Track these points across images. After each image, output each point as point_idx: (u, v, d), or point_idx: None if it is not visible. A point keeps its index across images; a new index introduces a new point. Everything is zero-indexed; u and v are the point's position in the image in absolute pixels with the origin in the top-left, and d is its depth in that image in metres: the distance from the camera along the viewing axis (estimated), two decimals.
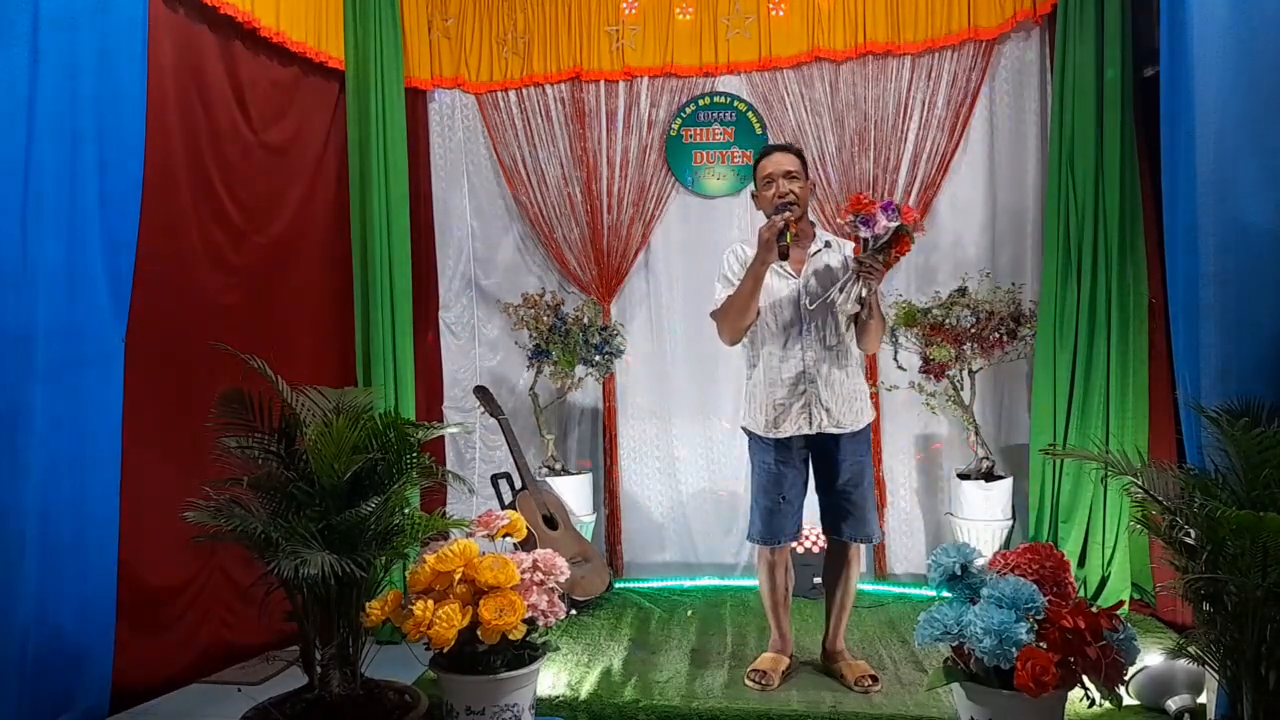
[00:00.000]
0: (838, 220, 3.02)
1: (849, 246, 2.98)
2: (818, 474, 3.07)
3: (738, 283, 2.91)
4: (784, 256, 2.78)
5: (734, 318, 2.93)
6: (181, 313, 3.31)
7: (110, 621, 2.92)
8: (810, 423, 2.95)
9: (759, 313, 2.95)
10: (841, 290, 2.93)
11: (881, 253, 2.76)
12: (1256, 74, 2.28)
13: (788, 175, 2.93)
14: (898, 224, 2.71)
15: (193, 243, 3.40)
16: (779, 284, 2.97)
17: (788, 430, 2.97)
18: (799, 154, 3.02)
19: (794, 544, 3.22)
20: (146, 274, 3.10)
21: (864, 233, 2.77)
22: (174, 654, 3.23)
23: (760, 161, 3.03)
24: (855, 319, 2.97)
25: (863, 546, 3.12)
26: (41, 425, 2.67)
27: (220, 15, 3.40)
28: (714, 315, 3.02)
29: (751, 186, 3.10)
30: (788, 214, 2.80)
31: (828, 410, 2.94)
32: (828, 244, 3.03)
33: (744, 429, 3.12)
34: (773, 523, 3.01)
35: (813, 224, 3.08)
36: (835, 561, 3.10)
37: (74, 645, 2.78)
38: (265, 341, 3.55)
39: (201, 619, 3.37)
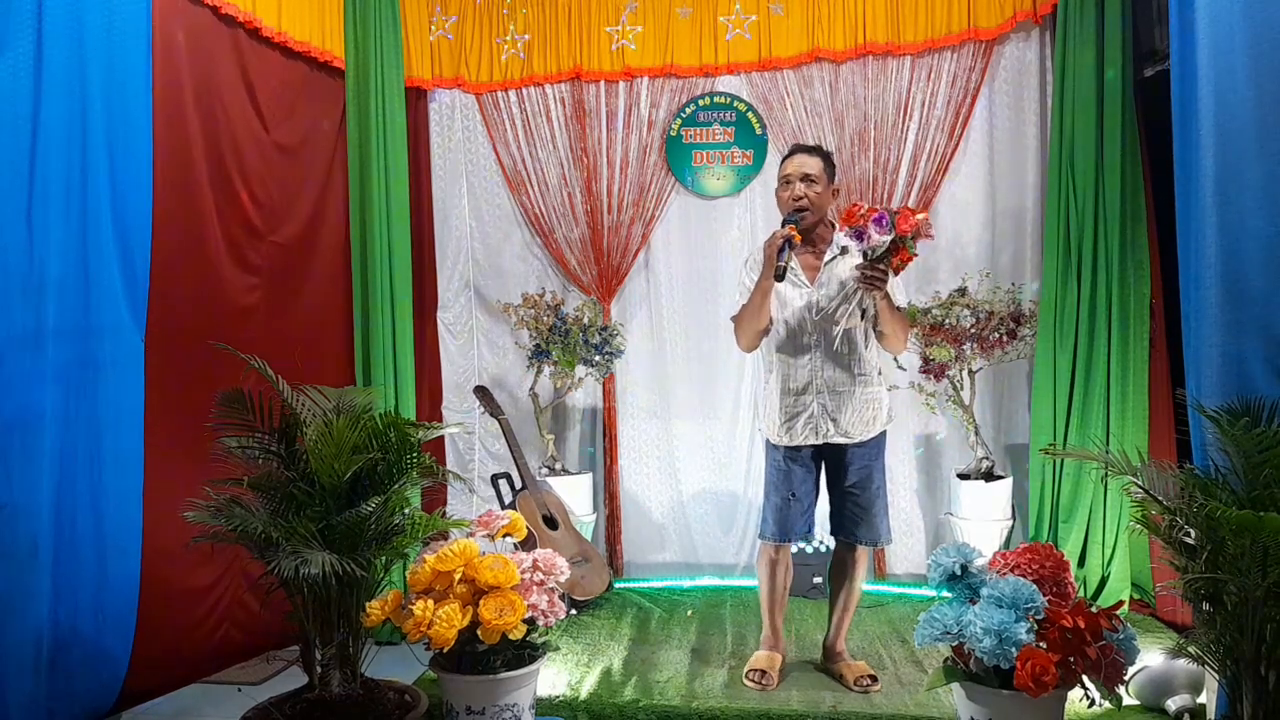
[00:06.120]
0: (838, 230, 2.95)
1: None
2: (827, 476, 3.07)
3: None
4: (779, 278, 2.75)
5: (745, 329, 2.94)
6: (205, 313, 3.31)
7: (130, 624, 2.92)
8: (816, 433, 2.95)
9: (772, 320, 2.95)
10: (844, 300, 2.90)
11: (881, 262, 2.71)
12: (1262, 77, 2.28)
13: (806, 179, 2.90)
14: (892, 236, 2.66)
15: (215, 243, 3.41)
16: (792, 292, 2.95)
17: (795, 439, 2.97)
18: (825, 157, 2.97)
19: (802, 543, 3.20)
20: (170, 274, 3.11)
21: (859, 245, 2.73)
22: (188, 654, 3.23)
23: (784, 160, 3.00)
24: (875, 325, 2.95)
25: (870, 550, 3.11)
26: (54, 427, 2.67)
27: (221, 15, 3.40)
28: (733, 321, 3.02)
29: (775, 185, 3.06)
30: (790, 227, 2.77)
31: (835, 420, 2.93)
32: (845, 250, 2.96)
33: (760, 430, 3.13)
34: (782, 519, 3.01)
35: (831, 227, 3.02)
36: (841, 563, 3.10)
37: (92, 646, 2.79)
38: (288, 342, 3.58)
39: (221, 620, 3.37)
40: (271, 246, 3.69)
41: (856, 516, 3.00)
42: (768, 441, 3.09)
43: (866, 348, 2.97)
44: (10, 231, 2.58)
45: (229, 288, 3.47)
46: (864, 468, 2.98)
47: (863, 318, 2.93)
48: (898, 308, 2.88)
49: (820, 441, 2.96)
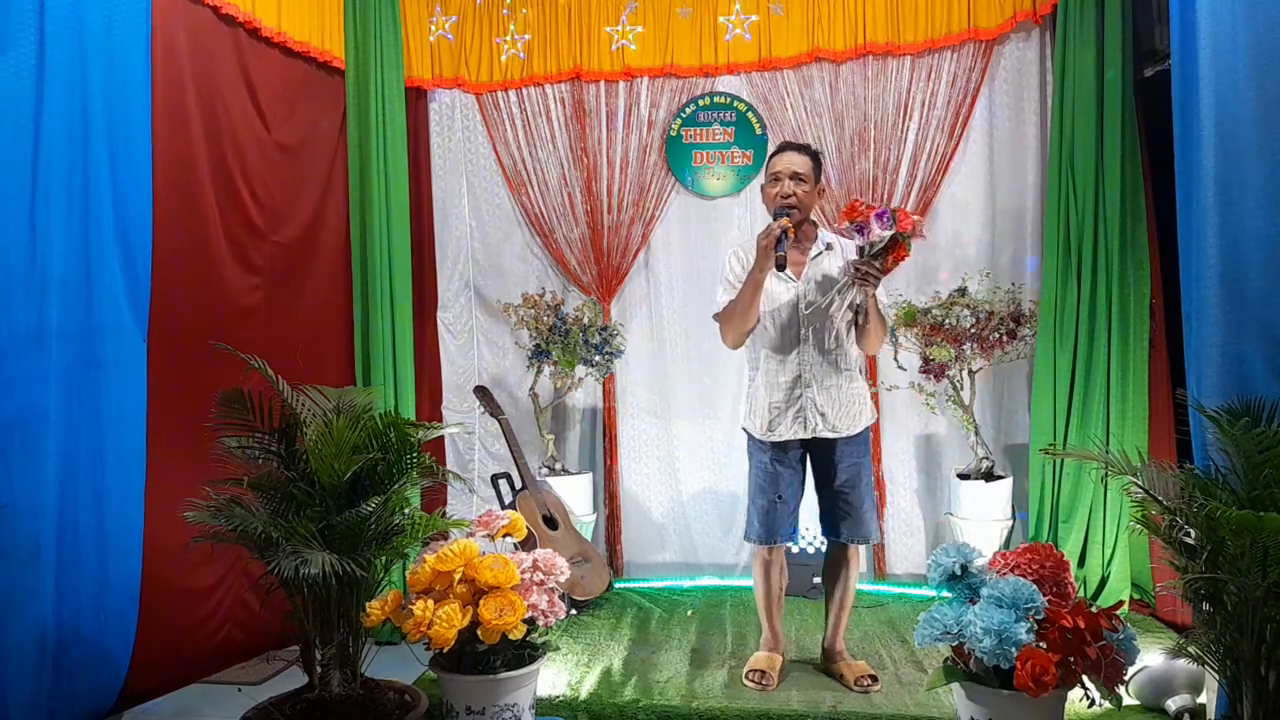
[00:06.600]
0: (839, 224, 2.98)
1: (851, 248, 2.92)
2: (815, 475, 3.07)
3: (739, 286, 2.91)
4: (780, 267, 2.75)
5: (735, 324, 2.93)
6: (207, 313, 3.32)
7: (131, 624, 2.92)
8: (805, 427, 2.95)
9: (759, 317, 2.95)
10: (839, 294, 2.93)
11: (878, 259, 2.74)
12: (1264, 77, 2.28)
13: (795, 177, 2.90)
14: (892, 232, 2.69)
15: (217, 243, 3.41)
16: (779, 288, 2.96)
17: (783, 434, 2.97)
18: (814, 156, 2.98)
19: (790, 544, 3.21)
20: (172, 274, 3.11)
21: (858, 240, 2.76)
22: (189, 654, 3.23)
23: (773, 157, 3.01)
24: (855, 321, 2.97)
25: (862, 547, 3.12)
26: (57, 427, 2.67)
27: (221, 15, 3.40)
28: (717, 319, 3.02)
29: (762, 180, 3.08)
30: (785, 219, 2.78)
31: (823, 415, 2.94)
32: (829, 246, 3.00)
33: (744, 429, 3.13)
34: (769, 522, 3.02)
35: (815, 225, 3.06)
36: (834, 562, 3.10)
37: (94, 646, 2.78)
38: (289, 342, 3.58)
39: (224, 621, 3.37)
40: (273, 246, 3.70)
41: (846, 515, 3.01)
42: (752, 442, 3.09)
43: (850, 344, 2.99)
44: (13, 232, 2.58)
45: (231, 288, 3.47)
46: (854, 464, 2.99)
47: (855, 314, 2.94)
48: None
49: (809, 435, 2.96)
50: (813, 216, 3.07)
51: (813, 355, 2.95)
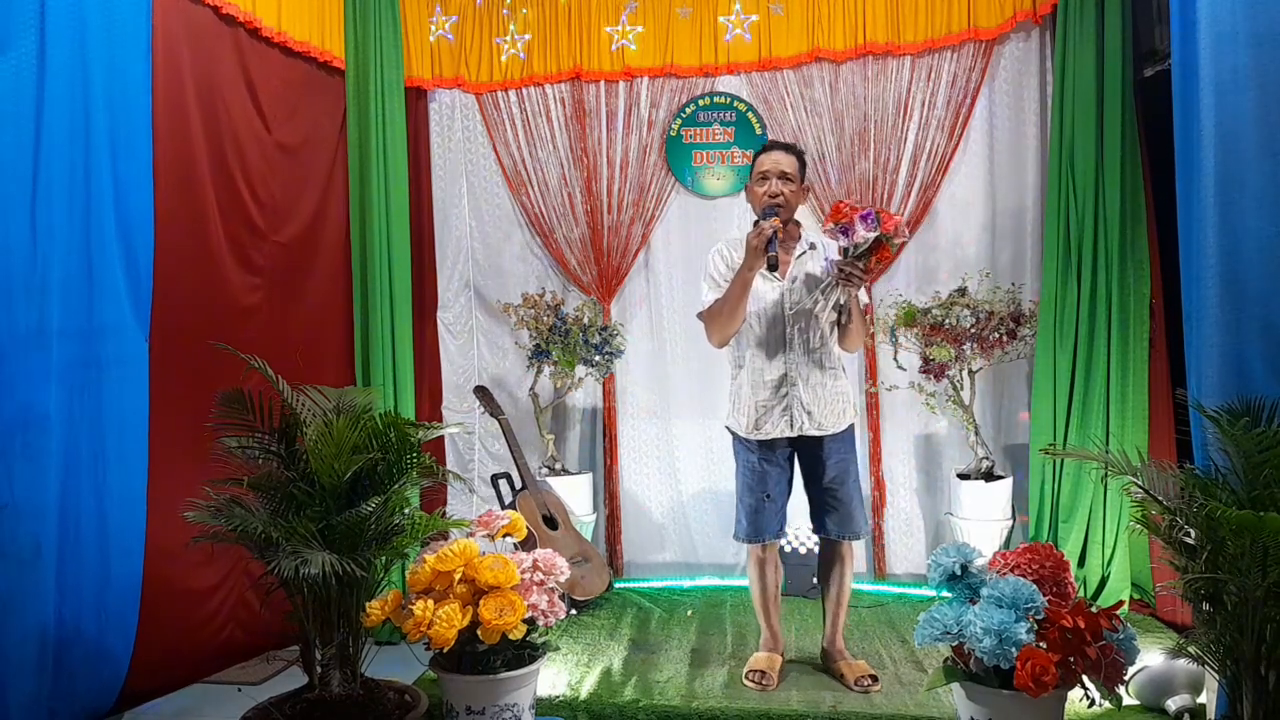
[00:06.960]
0: (824, 225, 3.00)
1: (834, 249, 2.92)
2: (804, 473, 3.09)
3: (724, 285, 2.91)
4: (773, 267, 2.76)
5: (722, 323, 2.93)
6: (208, 313, 3.32)
7: (132, 624, 2.92)
8: (791, 425, 2.97)
9: (745, 316, 2.96)
10: (823, 294, 2.95)
11: (862, 259, 2.76)
12: (1264, 76, 2.28)
13: (782, 176, 2.92)
14: (876, 234, 2.71)
15: (218, 242, 3.41)
16: (764, 287, 2.97)
17: (769, 432, 2.98)
18: (800, 156, 3.01)
19: (780, 541, 3.22)
20: (173, 274, 3.11)
21: (843, 241, 2.77)
22: (189, 654, 3.23)
23: (760, 156, 3.01)
24: (838, 321, 2.99)
25: (855, 544, 3.13)
26: (58, 427, 2.67)
27: (222, 15, 3.40)
28: (702, 318, 3.02)
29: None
30: (775, 219, 2.79)
31: (809, 413, 2.96)
32: (813, 246, 3.02)
33: (728, 428, 3.13)
34: (758, 521, 3.03)
35: (799, 225, 3.08)
36: (827, 560, 3.12)
37: (94, 646, 2.79)
38: (289, 342, 3.58)
39: (226, 621, 3.37)
40: (274, 246, 3.70)
41: (834, 510, 3.02)
42: (738, 441, 3.09)
43: (833, 342, 3.01)
44: (14, 231, 2.58)
45: (232, 287, 3.48)
46: (841, 461, 3.00)
47: (839, 313, 2.96)
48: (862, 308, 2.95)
49: (796, 433, 2.97)
50: (798, 216, 3.08)
51: (799, 354, 2.96)
